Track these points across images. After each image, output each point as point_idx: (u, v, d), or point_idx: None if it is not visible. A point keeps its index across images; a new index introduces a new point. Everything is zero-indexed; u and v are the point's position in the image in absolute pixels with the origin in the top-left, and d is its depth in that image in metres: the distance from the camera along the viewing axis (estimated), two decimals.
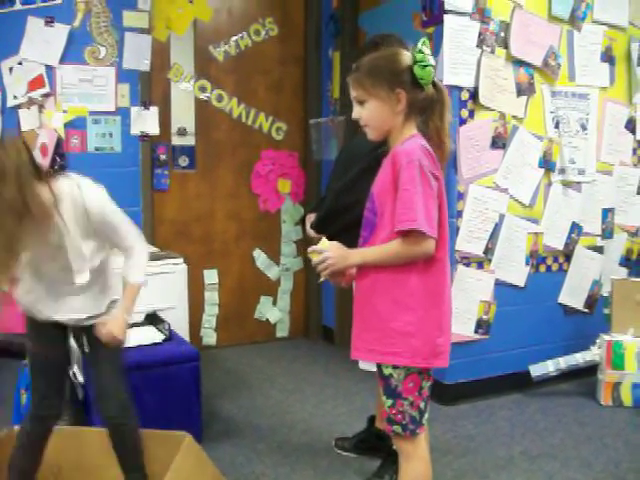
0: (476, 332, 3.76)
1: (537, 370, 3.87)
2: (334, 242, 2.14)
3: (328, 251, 2.10)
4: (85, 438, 2.47)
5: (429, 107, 2.08)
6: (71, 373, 3.34)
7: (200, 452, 2.50)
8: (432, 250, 2.00)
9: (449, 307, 2.12)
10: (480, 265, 3.75)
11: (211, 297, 4.79)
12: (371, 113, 2.10)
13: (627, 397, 3.73)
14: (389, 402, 2.10)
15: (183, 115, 4.62)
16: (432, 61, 2.04)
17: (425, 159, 1.99)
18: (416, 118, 2.09)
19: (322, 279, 2.17)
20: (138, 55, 4.27)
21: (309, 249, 2.15)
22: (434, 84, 2.07)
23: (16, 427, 2.57)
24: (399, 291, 2.03)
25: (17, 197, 2.01)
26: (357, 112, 2.14)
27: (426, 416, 2.13)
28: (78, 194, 2.31)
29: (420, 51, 2.02)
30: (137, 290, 2.44)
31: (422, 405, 2.10)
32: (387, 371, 2.07)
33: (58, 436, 2.49)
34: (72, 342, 3.49)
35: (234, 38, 4.71)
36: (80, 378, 3.42)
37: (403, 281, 2.02)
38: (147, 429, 2.48)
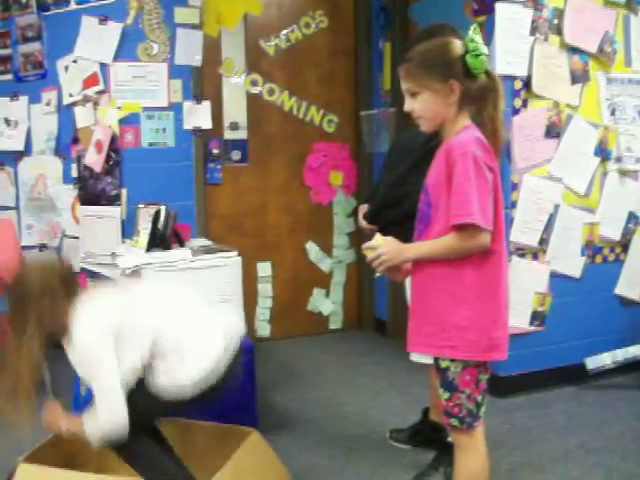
0: (531, 324, 3.72)
1: (593, 363, 3.81)
2: (388, 237, 2.12)
3: (382, 247, 2.08)
4: (173, 428, 2.52)
5: (482, 97, 2.04)
6: None
7: (266, 449, 2.47)
8: (488, 243, 1.97)
9: (506, 300, 2.10)
10: (535, 256, 3.71)
11: (264, 290, 4.82)
12: (424, 105, 2.06)
13: None
14: (446, 395, 2.09)
15: (235, 109, 4.66)
16: (485, 50, 2.01)
17: (479, 151, 1.96)
18: (469, 108, 2.06)
19: (378, 274, 2.17)
20: (190, 51, 4.31)
21: (363, 246, 2.13)
22: (487, 73, 2.04)
23: None
24: (455, 285, 2.01)
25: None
26: (409, 104, 2.10)
27: (483, 409, 2.12)
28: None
29: (472, 40, 1.99)
30: (81, 430, 2.20)
31: (479, 398, 2.09)
32: (444, 364, 2.06)
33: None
34: None
35: (284, 31, 4.73)
36: None
37: (459, 275, 2.01)
38: (213, 423, 2.49)
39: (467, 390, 2.06)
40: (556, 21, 3.62)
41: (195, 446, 2.51)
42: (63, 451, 2.46)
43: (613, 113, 3.84)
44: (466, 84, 2.01)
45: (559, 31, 3.63)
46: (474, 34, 2.00)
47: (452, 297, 2.01)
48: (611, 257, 3.95)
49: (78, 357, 2.15)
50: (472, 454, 2.14)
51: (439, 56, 2.03)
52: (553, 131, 3.66)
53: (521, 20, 3.53)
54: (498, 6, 3.48)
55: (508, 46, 3.51)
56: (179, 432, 2.54)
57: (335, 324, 5.08)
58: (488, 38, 3.58)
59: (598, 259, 3.91)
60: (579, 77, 3.71)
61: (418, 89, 2.06)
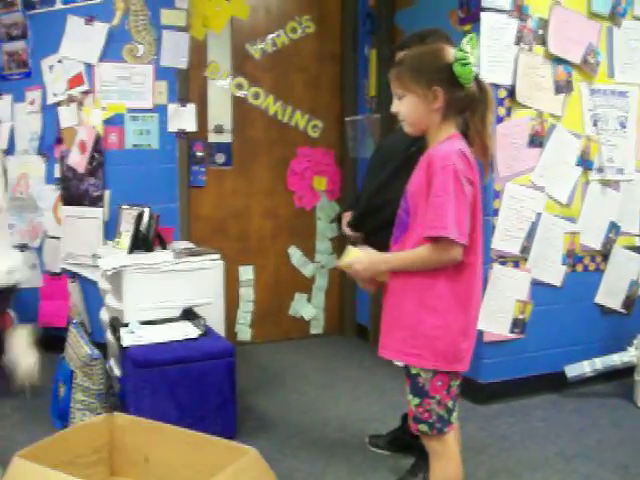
0: (512, 331, 3.74)
1: (573, 370, 3.83)
2: (362, 250, 2.17)
3: (355, 261, 2.13)
4: (170, 435, 2.50)
5: (470, 107, 2.06)
6: (107, 366, 3.40)
7: (264, 468, 2.42)
8: (459, 256, 2.00)
9: (477, 312, 2.13)
10: (516, 264, 3.73)
11: (246, 293, 4.82)
12: (408, 109, 2.09)
13: None
14: (416, 400, 2.10)
15: (220, 112, 4.66)
16: (472, 60, 2.01)
17: (461, 163, 1.97)
18: (456, 117, 2.08)
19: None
20: (176, 53, 4.31)
21: (337, 262, 2.20)
22: (478, 83, 2.05)
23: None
24: (427, 294, 2.04)
25: None
26: (395, 106, 2.14)
27: (455, 415, 2.13)
28: None
29: (461, 49, 1.99)
30: None
31: (450, 404, 2.10)
32: (414, 370, 2.08)
33: (146, 429, 2.54)
34: (109, 335, 3.55)
35: (271, 36, 4.73)
36: (117, 371, 3.48)
37: (432, 285, 2.03)
38: (211, 436, 2.47)
39: (438, 396, 2.08)
40: (541, 31, 3.65)
41: (187, 455, 2.48)
42: (67, 449, 2.44)
43: (595, 124, 3.87)
44: (452, 92, 2.02)
45: (543, 41, 3.66)
46: (466, 44, 2.00)
47: (424, 306, 2.04)
48: (592, 266, 3.98)
49: None
50: (445, 460, 2.15)
51: (427, 62, 2.05)
52: (536, 140, 3.69)
53: (506, 30, 3.56)
54: (483, 15, 3.50)
55: (493, 55, 3.54)
56: (171, 440, 2.52)
57: (316, 329, 5.08)
58: None
59: (579, 268, 3.94)
60: (562, 87, 3.74)
61: (404, 92, 2.08)
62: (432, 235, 1.97)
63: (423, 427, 2.10)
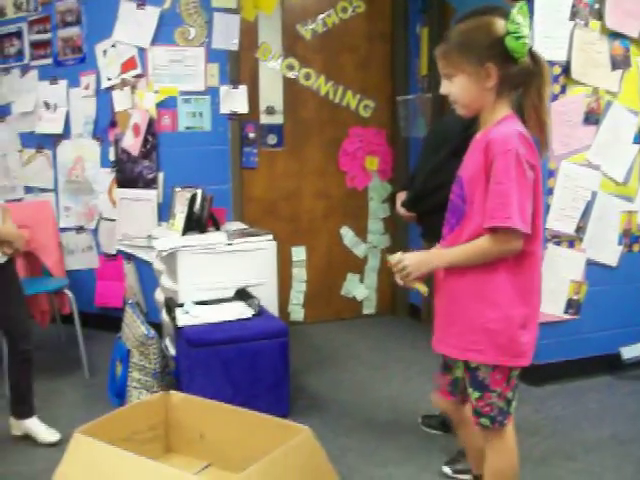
0: (566, 312, 3.69)
1: (629, 352, 3.78)
2: (410, 253, 2.06)
3: (406, 259, 2.03)
4: (224, 413, 2.55)
5: (525, 82, 1.94)
6: (163, 346, 3.46)
7: (316, 447, 2.41)
8: (521, 246, 1.90)
9: (539, 303, 2.04)
10: (571, 244, 3.68)
11: (299, 274, 4.84)
12: (459, 89, 1.97)
13: None
14: (476, 394, 2.05)
15: (271, 94, 4.67)
16: (526, 32, 1.87)
17: (522, 147, 1.87)
18: (510, 95, 1.96)
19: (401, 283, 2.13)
20: (227, 35, 4.33)
21: (388, 259, 2.10)
22: (533, 57, 1.91)
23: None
24: (486, 287, 1.95)
25: None
26: (445, 87, 2.02)
27: (514, 404, 2.08)
28: None
29: (513, 21, 1.87)
30: None
31: (510, 395, 2.05)
32: (474, 364, 2.03)
33: (200, 407, 2.60)
34: (164, 315, 3.61)
35: (321, 16, 4.72)
36: (172, 351, 3.53)
37: (490, 277, 1.94)
38: (265, 415, 2.49)
39: (498, 389, 2.02)
40: (597, 5, 3.56)
41: (241, 433, 2.52)
42: (124, 426, 2.50)
43: None
44: (506, 68, 1.90)
45: (600, 16, 3.57)
46: (517, 14, 1.87)
47: (482, 300, 1.95)
48: None
49: None
50: (503, 455, 2.10)
51: (475, 37, 1.92)
52: (592, 118, 3.62)
53: (561, 5, 3.48)
54: None
55: (547, 31, 3.47)
56: (225, 418, 2.56)
57: (369, 309, 5.08)
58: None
59: (635, 248, 3.86)
60: (620, 63, 3.66)
61: (453, 72, 1.97)
62: (495, 225, 1.87)
63: (485, 421, 2.06)
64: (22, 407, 3.05)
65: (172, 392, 2.70)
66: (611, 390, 3.65)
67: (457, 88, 1.98)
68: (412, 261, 2.02)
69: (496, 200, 1.87)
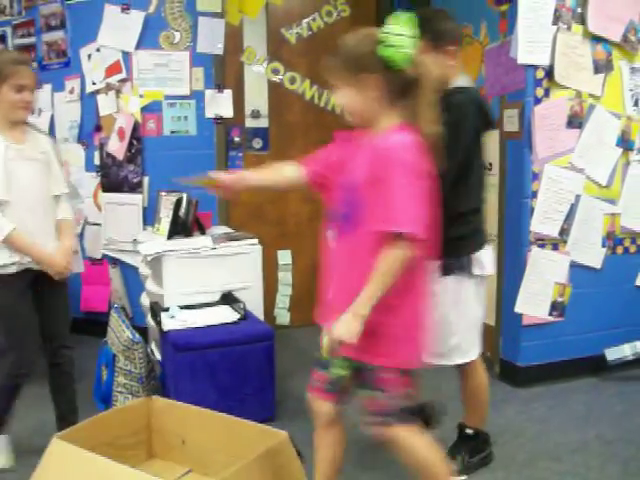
0: (550, 314, 3.71)
1: (613, 354, 3.80)
2: (333, 328, 2.01)
3: (339, 336, 1.96)
4: (206, 418, 2.54)
5: (409, 92, 1.93)
6: (148, 350, 3.45)
7: (292, 454, 2.40)
8: (407, 259, 1.90)
9: (423, 308, 2.05)
10: (555, 246, 3.70)
11: (285, 277, 4.84)
12: (346, 100, 1.99)
13: None
14: (375, 393, 2.07)
15: (256, 97, 4.67)
16: (399, 41, 1.87)
17: (409, 155, 1.88)
18: (399, 104, 1.96)
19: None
20: (212, 39, 4.33)
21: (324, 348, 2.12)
22: (416, 66, 1.91)
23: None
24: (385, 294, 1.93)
25: None
26: (337, 98, 2.06)
27: (414, 410, 2.11)
28: None
29: (384, 30, 1.88)
30: None
31: (408, 399, 2.08)
32: (372, 365, 2.04)
33: (183, 412, 2.59)
34: (150, 320, 3.60)
35: (306, 20, 4.73)
36: (158, 355, 3.53)
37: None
38: (246, 420, 2.50)
39: (399, 389, 2.05)
40: (579, 10, 3.59)
41: (222, 438, 2.52)
42: (106, 431, 2.49)
43: (636, 103, 3.81)
44: (388, 79, 1.91)
45: (582, 20, 3.60)
46: (392, 24, 1.89)
47: (385, 302, 1.93)
48: (632, 248, 3.93)
49: None
50: (411, 452, 2.13)
51: (354, 49, 1.95)
52: (575, 121, 3.64)
53: (544, 9, 3.51)
54: None
55: (530, 35, 3.49)
56: (207, 423, 2.56)
57: None
58: (510, 26, 3.57)
59: (619, 250, 3.89)
60: (602, 67, 3.69)
61: (338, 83, 2.00)
62: (389, 230, 1.87)
63: (383, 420, 2.09)
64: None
65: (154, 397, 2.69)
66: (596, 391, 3.67)
67: (344, 99, 2.01)
68: (342, 331, 1.95)
69: (393, 206, 1.86)
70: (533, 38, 3.50)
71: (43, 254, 2.76)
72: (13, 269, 2.74)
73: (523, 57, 3.46)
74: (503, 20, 3.72)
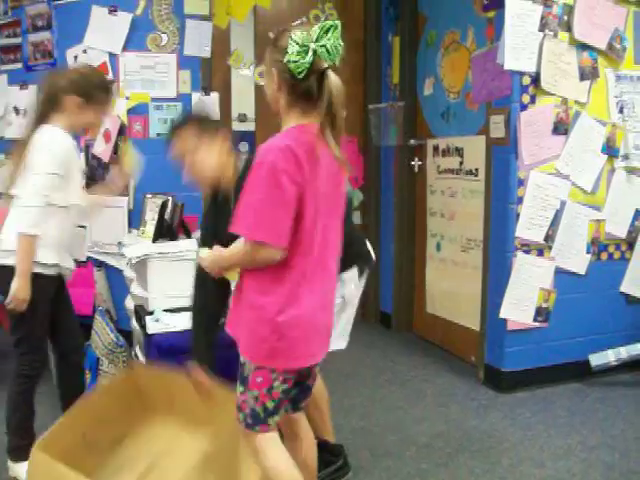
0: (535, 320, 3.73)
1: (597, 359, 3.82)
2: (209, 252, 2.13)
3: (202, 259, 2.14)
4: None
5: (311, 99, 1.95)
6: (133, 354, 3.43)
7: None
8: (278, 257, 1.89)
9: (305, 320, 1.97)
10: (540, 252, 3.71)
11: None
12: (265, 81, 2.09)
13: None
14: (240, 388, 2.04)
15: (243, 101, 4.67)
16: (296, 52, 1.89)
17: (282, 161, 1.85)
18: (303, 108, 1.98)
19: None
20: (199, 42, 4.32)
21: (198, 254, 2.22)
22: (323, 75, 1.93)
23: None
24: (254, 285, 1.97)
25: None
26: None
27: (276, 418, 2.03)
28: None
29: (291, 37, 1.91)
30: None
31: (270, 405, 2.00)
32: (242, 358, 2.03)
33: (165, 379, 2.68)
34: (135, 323, 3.58)
35: (294, 24, 4.71)
36: (142, 359, 3.51)
37: (258, 277, 1.96)
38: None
39: (256, 391, 1.99)
40: (566, 17, 3.61)
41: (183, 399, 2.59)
42: (82, 429, 2.48)
43: (621, 111, 3.83)
44: (289, 80, 1.93)
45: (569, 27, 3.62)
46: (293, 33, 1.92)
47: (248, 297, 1.97)
48: (617, 255, 3.95)
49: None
50: (262, 458, 2.04)
51: (273, 40, 2.05)
52: (561, 128, 3.66)
53: (531, 16, 3.52)
54: (508, 2, 3.46)
55: (517, 42, 3.51)
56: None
57: None
58: (497, 33, 3.59)
59: (604, 256, 3.91)
60: (588, 74, 3.71)
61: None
62: (235, 232, 1.91)
63: (240, 416, 2.04)
64: None
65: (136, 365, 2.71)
66: (580, 397, 3.69)
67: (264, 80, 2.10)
68: (207, 261, 2.12)
69: (242, 209, 1.88)
70: (520, 45, 3.52)
71: (24, 281, 2.64)
72: (53, 271, 2.75)
73: (510, 63, 3.47)
74: (490, 26, 3.73)
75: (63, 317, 2.89)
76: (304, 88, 1.91)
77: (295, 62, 1.87)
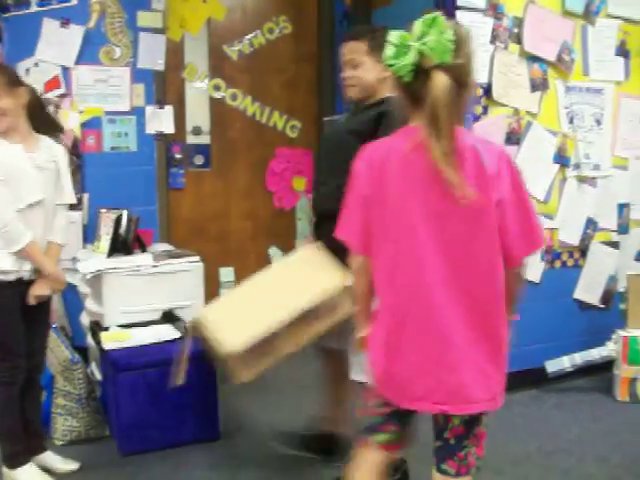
0: None
1: (553, 366, 3.87)
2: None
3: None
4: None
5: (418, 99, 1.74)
6: (89, 371, 3.38)
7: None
8: (354, 266, 1.90)
9: (392, 337, 1.84)
10: None
11: None
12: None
13: None
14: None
15: (198, 114, 4.65)
16: (390, 52, 1.73)
17: (361, 162, 1.83)
18: (408, 108, 1.80)
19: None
20: (153, 55, 4.30)
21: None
22: (425, 77, 1.69)
23: None
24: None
25: None
26: None
27: (378, 437, 1.95)
28: None
29: (391, 34, 1.76)
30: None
31: (372, 421, 1.96)
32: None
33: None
34: (90, 340, 3.53)
35: (248, 37, 4.73)
36: (98, 375, 3.47)
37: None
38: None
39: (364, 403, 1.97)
40: (516, 30, 3.67)
41: None
42: None
43: (572, 121, 3.90)
44: (399, 83, 1.77)
45: (519, 40, 3.69)
46: (393, 33, 1.77)
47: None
48: (570, 262, 4.01)
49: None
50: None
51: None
52: (513, 138, 3.71)
53: (482, 28, 3.58)
54: (459, 14, 3.52)
55: None
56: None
57: None
58: None
59: (557, 264, 3.97)
60: (538, 85, 3.77)
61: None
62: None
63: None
64: (38, 441, 2.96)
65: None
66: (537, 403, 3.73)
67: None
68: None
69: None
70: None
71: (52, 267, 2.77)
72: (12, 277, 2.69)
73: None
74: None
75: (30, 335, 2.83)
76: (410, 90, 1.74)
77: (394, 64, 1.71)
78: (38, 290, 2.74)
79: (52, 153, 2.83)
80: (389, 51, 1.72)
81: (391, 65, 1.72)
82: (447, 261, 1.75)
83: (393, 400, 1.87)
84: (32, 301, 2.73)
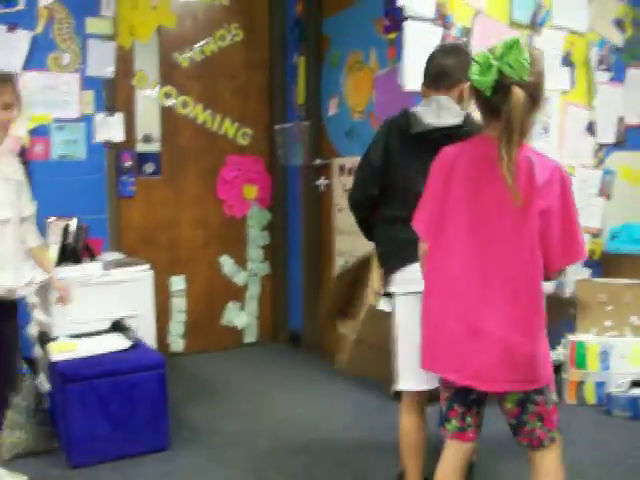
0: None
1: None
2: None
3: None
4: None
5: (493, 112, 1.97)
6: (37, 382, 3.33)
7: None
8: (422, 252, 2.13)
9: (438, 320, 2.04)
10: None
11: (178, 304, 4.78)
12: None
13: (590, 396, 3.79)
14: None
15: (148, 122, 4.62)
16: (476, 68, 1.90)
17: (436, 161, 2.08)
18: (489, 120, 2.00)
19: None
20: (102, 62, 4.26)
21: None
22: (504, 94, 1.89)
23: None
24: None
25: None
26: None
27: (449, 426, 2.10)
28: None
29: (478, 53, 1.94)
30: None
31: (443, 409, 2.13)
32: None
33: None
34: (38, 350, 3.48)
35: (199, 44, 4.72)
36: (46, 387, 3.41)
37: None
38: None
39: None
40: (464, 39, 3.72)
41: None
42: None
43: None
44: (478, 96, 1.98)
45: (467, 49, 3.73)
46: (481, 51, 1.93)
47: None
48: None
49: None
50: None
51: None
52: None
53: (430, 38, 3.61)
54: (407, 24, 3.54)
55: (417, 63, 3.57)
56: None
57: (250, 337, 5.06)
58: (398, 55, 3.67)
59: None
60: None
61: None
62: None
63: None
64: None
65: None
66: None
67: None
68: None
69: None
70: (420, 65, 3.59)
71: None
72: None
73: (410, 84, 3.54)
74: (392, 47, 3.81)
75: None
76: (490, 104, 1.94)
77: (478, 80, 1.90)
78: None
79: (13, 164, 2.80)
80: (474, 68, 1.91)
81: (477, 80, 1.90)
82: (489, 259, 1.96)
83: (439, 372, 2.09)
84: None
